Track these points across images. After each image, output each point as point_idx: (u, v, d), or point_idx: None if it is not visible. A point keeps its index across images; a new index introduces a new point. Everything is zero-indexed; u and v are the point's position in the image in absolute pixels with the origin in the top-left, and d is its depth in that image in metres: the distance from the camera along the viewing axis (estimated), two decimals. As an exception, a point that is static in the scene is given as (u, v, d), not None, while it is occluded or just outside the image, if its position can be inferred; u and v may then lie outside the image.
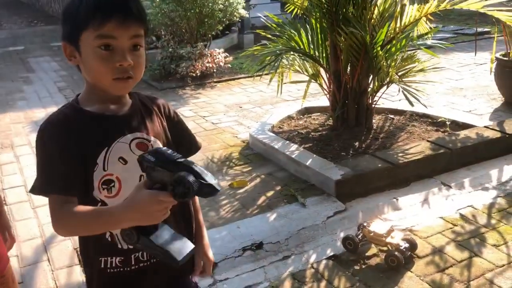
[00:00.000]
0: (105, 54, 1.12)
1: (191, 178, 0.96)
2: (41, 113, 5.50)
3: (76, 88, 6.58)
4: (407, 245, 2.52)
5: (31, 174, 3.74)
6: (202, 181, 0.98)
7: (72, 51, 1.18)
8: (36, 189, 1.16)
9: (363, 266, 2.53)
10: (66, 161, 1.12)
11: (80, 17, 1.12)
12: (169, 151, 1.04)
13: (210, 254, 1.44)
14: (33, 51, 9.69)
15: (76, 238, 2.84)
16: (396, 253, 2.44)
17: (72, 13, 1.15)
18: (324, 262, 2.58)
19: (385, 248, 2.60)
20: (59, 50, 9.79)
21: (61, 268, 2.61)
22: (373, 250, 2.65)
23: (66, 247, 2.80)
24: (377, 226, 2.64)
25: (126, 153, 1.18)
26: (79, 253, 1.36)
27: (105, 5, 1.11)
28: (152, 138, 1.24)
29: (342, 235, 2.80)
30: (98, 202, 1.18)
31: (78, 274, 2.55)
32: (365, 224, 2.69)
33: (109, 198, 1.18)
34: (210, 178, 1.00)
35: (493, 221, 2.90)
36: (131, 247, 1.19)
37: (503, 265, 2.47)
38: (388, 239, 2.55)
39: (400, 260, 2.42)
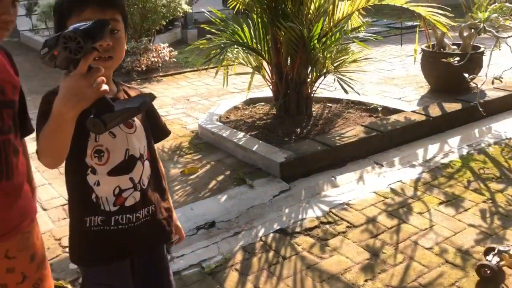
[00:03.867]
0: None
1: (70, 28, 1.04)
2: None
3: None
4: None
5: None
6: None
7: None
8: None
9: (308, 238, 2.80)
10: None
11: (64, 8, 1.33)
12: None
13: (178, 222, 1.68)
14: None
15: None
16: None
17: (58, 7, 1.35)
18: (271, 235, 2.84)
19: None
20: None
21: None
22: (314, 222, 2.95)
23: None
24: None
25: (114, 128, 1.34)
26: (68, 212, 1.52)
27: None
28: (136, 119, 1.45)
29: (287, 211, 3.08)
30: (88, 168, 1.37)
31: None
32: (502, 248, 2.39)
33: (99, 166, 1.37)
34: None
35: (418, 193, 3.28)
36: (113, 209, 1.38)
37: (426, 229, 2.84)
38: None
39: None
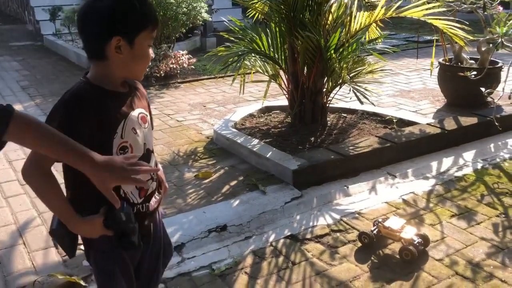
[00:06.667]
0: (149, 50, 1.46)
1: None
2: (6, 111, 5.55)
3: (40, 87, 6.63)
4: (420, 240, 2.66)
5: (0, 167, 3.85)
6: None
7: (124, 45, 1.37)
8: None
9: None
10: (81, 126, 1.34)
11: (141, 18, 1.39)
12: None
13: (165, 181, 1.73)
14: (-8, 51, 9.59)
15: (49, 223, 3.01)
16: (410, 247, 2.58)
17: (133, 15, 1.37)
18: (282, 240, 2.87)
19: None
20: (19, 49, 9.79)
21: (37, 250, 2.78)
22: (325, 230, 2.97)
23: (41, 232, 2.96)
24: (391, 222, 2.77)
25: (136, 125, 1.47)
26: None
27: (154, 13, 1.45)
28: (148, 115, 1.57)
29: (298, 217, 3.11)
30: None
31: (54, 255, 2.73)
32: (380, 220, 2.83)
33: None
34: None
35: (431, 205, 3.27)
36: (139, 200, 1.53)
37: (437, 240, 2.83)
38: (402, 234, 2.69)
39: (414, 254, 2.56)
